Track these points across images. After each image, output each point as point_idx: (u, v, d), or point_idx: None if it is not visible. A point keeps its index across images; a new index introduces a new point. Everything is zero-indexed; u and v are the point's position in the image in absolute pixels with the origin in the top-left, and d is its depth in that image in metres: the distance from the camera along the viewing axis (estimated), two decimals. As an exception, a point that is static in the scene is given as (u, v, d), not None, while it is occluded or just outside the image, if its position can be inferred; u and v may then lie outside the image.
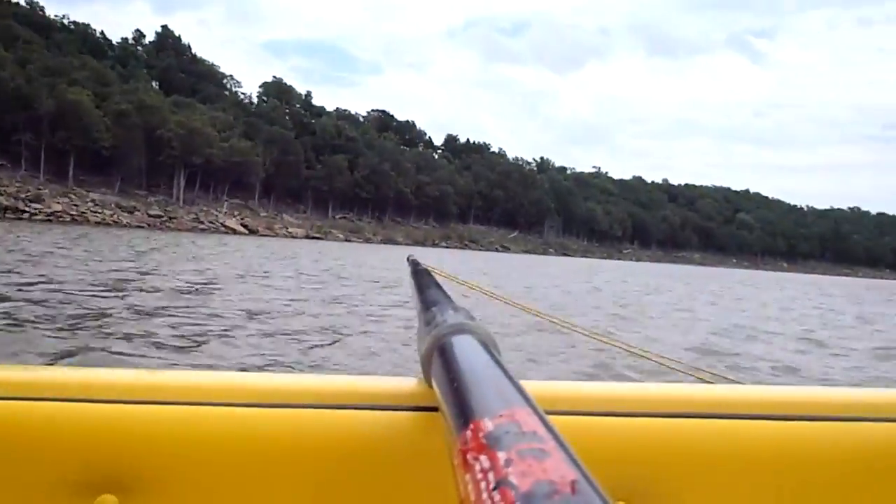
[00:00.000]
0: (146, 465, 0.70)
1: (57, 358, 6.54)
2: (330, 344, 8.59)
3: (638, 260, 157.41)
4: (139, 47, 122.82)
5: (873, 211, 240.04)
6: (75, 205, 79.55)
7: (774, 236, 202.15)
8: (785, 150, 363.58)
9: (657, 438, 0.76)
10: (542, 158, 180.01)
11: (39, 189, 78.91)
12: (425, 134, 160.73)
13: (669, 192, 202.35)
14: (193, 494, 0.71)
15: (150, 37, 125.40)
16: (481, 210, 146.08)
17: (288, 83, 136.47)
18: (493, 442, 0.36)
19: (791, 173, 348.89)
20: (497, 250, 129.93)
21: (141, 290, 12.52)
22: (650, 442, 0.76)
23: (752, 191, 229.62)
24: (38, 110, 79.48)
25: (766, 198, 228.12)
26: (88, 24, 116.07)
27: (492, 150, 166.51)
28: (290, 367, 7.35)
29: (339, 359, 7.81)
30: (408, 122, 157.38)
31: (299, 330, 9.37)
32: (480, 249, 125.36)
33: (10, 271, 14.04)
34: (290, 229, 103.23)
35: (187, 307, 10.69)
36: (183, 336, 8.17)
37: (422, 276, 1.09)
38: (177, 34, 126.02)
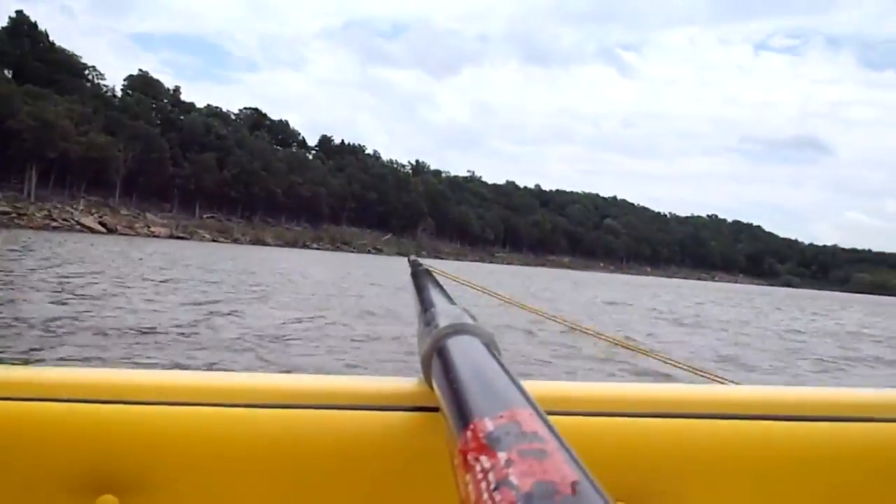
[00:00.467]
0: (146, 465, 0.70)
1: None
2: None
3: (509, 263, 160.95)
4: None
5: (729, 219, 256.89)
6: None
7: (639, 241, 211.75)
8: (651, 160, 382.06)
9: (658, 439, 0.76)
10: (417, 162, 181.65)
11: None
12: (299, 134, 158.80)
13: (541, 198, 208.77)
14: (194, 494, 0.71)
15: (2, 22, 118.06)
16: (355, 212, 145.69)
17: (157, 77, 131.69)
18: (494, 442, 0.36)
19: (656, 181, 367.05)
20: (370, 252, 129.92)
21: None
22: (651, 442, 0.76)
23: (619, 197, 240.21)
24: None
25: (633, 204, 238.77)
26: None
27: (367, 152, 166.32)
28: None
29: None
30: (281, 121, 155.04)
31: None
32: (353, 251, 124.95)
33: None
34: (152, 228, 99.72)
35: None
36: None
37: (422, 276, 1.09)
38: (33, 20, 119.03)
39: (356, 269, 40.77)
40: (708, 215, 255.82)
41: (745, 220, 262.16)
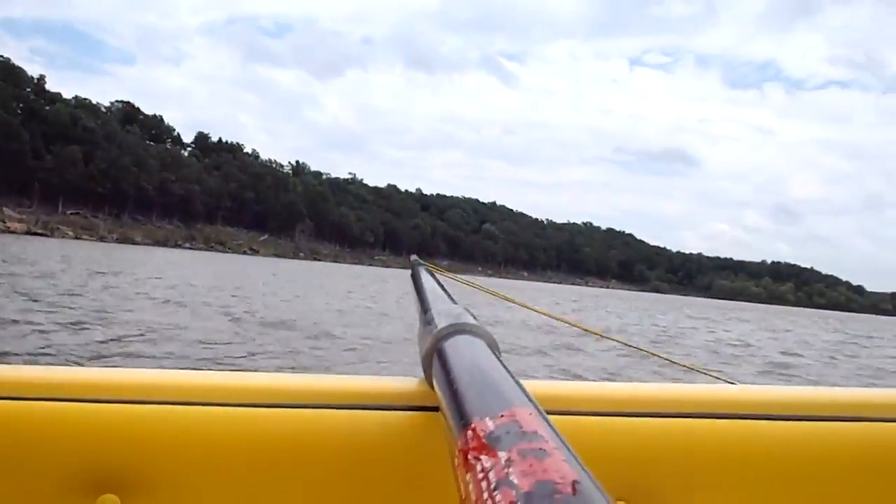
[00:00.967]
0: (147, 464, 0.70)
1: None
2: None
3: (388, 266, 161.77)
4: None
5: (603, 226, 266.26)
6: None
7: (517, 246, 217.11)
8: (530, 167, 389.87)
9: (658, 438, 0.76)
10: (297, 162, 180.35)
11: None
12: (174, 130, 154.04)
13: (422, 202, 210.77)
14: (194, 494, 0.71)
15: None
16: (231, 211, 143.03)
17: (20, 65, 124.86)
18: (494, 442, 0.36)
19: (535, 189, 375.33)
20: (245, 253, 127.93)
21: None
22: (651, 442, 0.76)
23: (498, 203, 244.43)
24: None
25: (511, 210, 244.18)
26: None
27: (246, 150, 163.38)
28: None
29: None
30: (155, 116, 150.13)
31: None
32: (228, 252, 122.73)
33: None
34: (8, 224, 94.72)
35: None
36: None
37: (422, 276, 1.09)
38: None
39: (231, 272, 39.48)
40: (583, 222, 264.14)
41: (618, 228, 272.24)
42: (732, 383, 0.95)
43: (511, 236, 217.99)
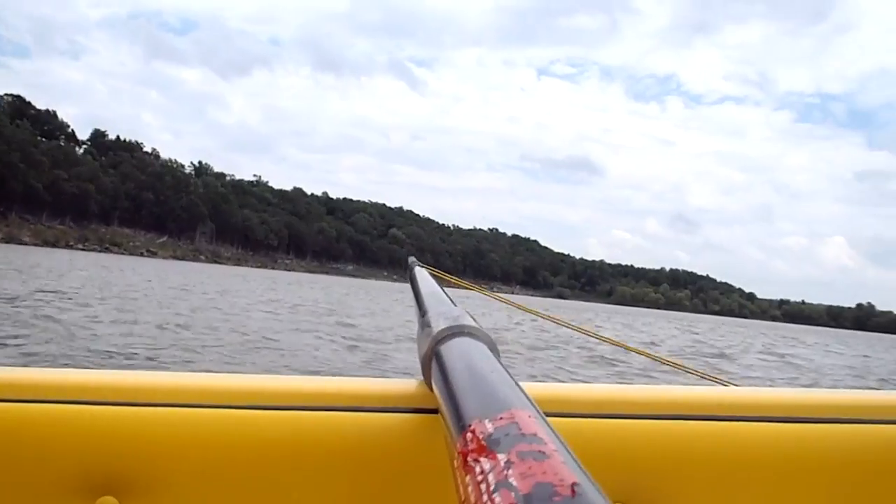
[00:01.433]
0: (146, 467, 0.70)
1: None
2: None
3: (292, 270, 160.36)
4: None
5: (509, 232, 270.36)
6: None
7: (423, 252, 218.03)
8: (438, 173, 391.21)
9: (658, 440, 0.77)
10: (200, 163, 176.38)
11: None
12: (68, 126, 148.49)
13: (328, 205, 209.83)
14: (193, 496, 0.71)
15: None
16: (128, 212, 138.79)
17: None
18: (493, 444, 0.36)
19: (443, 194, 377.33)
20: (143, 255, 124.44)
21: None
22: (651, 444, 0.76)
23: (405, 208, 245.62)
24: None
25: (418, 216, 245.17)
26: None
27: (145, 149, 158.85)
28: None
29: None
30: (48, 111, 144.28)
31: None
32: (124, 253, 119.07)
33: None
34: None
35: None
36: None
37: (421, 277, 1.08)
38: None
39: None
40: (489, 229, 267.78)
41: (523, 235, 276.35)
42: (732, 385, 0.96)
43: (417, 241, 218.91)
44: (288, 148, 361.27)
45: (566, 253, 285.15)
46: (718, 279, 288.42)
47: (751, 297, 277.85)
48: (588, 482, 0.32)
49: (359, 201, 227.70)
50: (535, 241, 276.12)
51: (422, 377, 0.68)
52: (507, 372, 0.50)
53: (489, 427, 0.38)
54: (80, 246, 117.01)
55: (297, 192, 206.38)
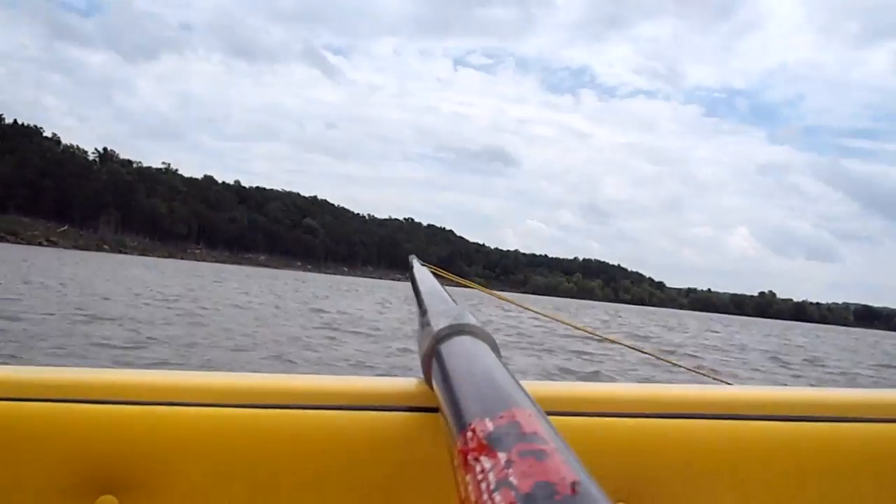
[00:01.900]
0: (146, 465, 0.70)
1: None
2: None
3: (203, 260, 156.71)
4: None
5: (425, 222, 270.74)
6: None
7: (338, 241, 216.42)
8: (354, 162, 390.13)
9: (658, 439, 0.77)
10: (105, 149, 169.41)
11: None
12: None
13: (241, 194, 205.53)
14: (193, 495, 0.71)
15: None
16: (25, 200, 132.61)
17: None
18: (494, 443, 0.36)
19: (359, 184, 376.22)
20: (42, 245, 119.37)
21: None
22: (651, 442, 0.77)
23: (320, 197, 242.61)
24: None
25: (333, 205, 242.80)
26: None
27: (45, 135, 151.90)
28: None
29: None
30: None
31: None
32: (21, 243, 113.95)
33: None
34: None
35: None
36: None
37: (422, 276, 1.09)
38: None
39: None
40: (405, 218, 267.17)
41: (438, 225, 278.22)
42: (732, 384, 0.96)
43: (332, 231, 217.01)
44: (200, 135, 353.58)
45: (481, 243, 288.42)
46: (630, 269, 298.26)
47: (660, 286, 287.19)
48: (588, 481, 0.32)
49: (272, 190, 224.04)
50: (451, 231, 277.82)
51: (422, 376, 0.67)
52: (508, 371, 0.50)
53: (490, 426, 0.39)
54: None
55: (208, 180, 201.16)
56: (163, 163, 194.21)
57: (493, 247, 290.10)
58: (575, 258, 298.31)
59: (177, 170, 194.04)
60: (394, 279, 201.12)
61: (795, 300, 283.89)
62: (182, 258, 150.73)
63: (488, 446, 0.36)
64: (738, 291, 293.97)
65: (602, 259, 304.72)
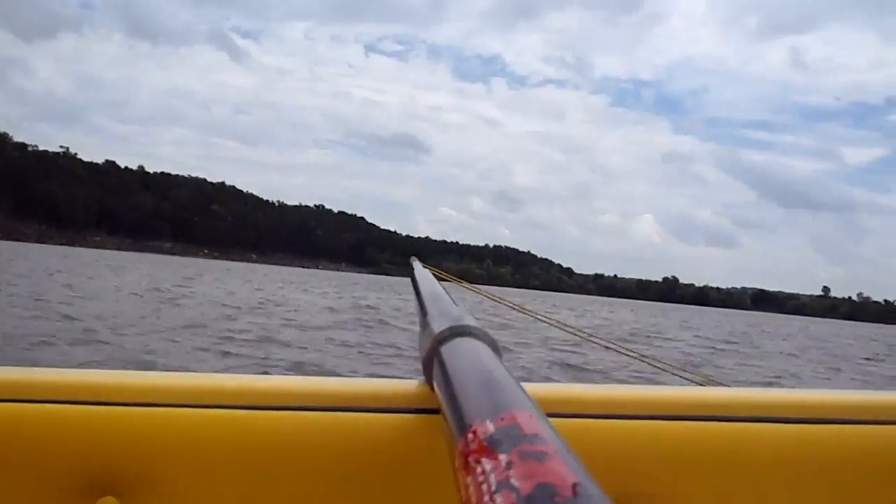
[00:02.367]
0: (147, 467, 0.71)
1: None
2: None
3: (104, 248, 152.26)
4: None
5: (335, 209, 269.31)
6: None
7: (246, 229, 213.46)
8: (263, 148, 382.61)
9: (658, 441, 0.77)
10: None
11: None
12: None
13: (144, 180, 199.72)
14: (194, 497, 0.71)
15: None
16: None
17: None
18: (495, 444, 0.37)
19: (268, 170, 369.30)
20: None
21: None
22: (651, 444, 0.77)
23: (227, 183, 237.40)
24: None
25: (241, 191, 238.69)
26: None
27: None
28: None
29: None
30: None
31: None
32: None
33: None
34: None
35: None
36: None
37: (423, 277, 1.09)
38: None
39: None
40: (315, 205, 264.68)
41: (349, 212, 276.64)
42: (731, 386, 0.97)
43: (240, 218, 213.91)
44: (102, 118, 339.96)
45: (393, 230, 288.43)
46: (539, 255, 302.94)
47: (569, 271, 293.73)
48: (589, 482, 0.32)
49: (178, 176, 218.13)
50: (362, 219, 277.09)
51: (423, 377, 0.68)
52: (509, 372, 0.50)
53: (490, 427, 0.39)
54: None
55: (110, 164, 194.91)
56: (61, 147, 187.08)
57: (404, 234, 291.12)
58: (486, 245, 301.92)
59: (76, 154, 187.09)
60: (304, 266, 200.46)
61: (698, 285, 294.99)
62: (81, 245, 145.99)
63: (489, 448, 0.36)
64: (644, 277, 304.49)
65: (512, 246, 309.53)
